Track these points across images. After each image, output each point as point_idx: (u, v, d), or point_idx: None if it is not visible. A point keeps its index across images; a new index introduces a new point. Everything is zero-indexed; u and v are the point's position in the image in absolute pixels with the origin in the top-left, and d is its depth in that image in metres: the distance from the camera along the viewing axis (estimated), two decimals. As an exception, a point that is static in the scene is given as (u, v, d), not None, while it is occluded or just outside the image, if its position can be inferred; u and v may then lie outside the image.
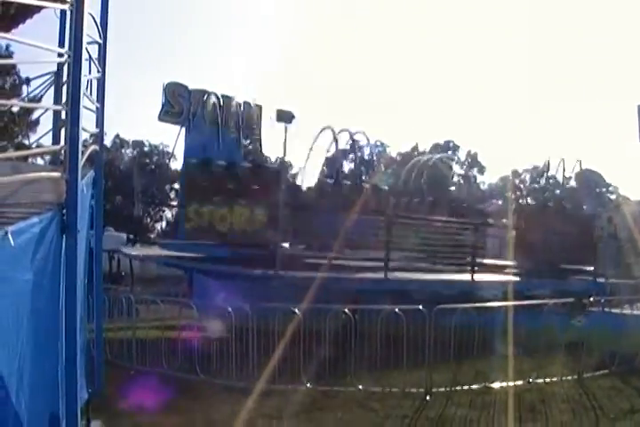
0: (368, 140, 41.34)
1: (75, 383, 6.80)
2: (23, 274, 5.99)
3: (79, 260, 7.41)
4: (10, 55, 42.07)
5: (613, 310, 19.09)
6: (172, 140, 40.23)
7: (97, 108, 10.47)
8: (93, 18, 9.48)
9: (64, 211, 6.92)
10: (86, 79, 9.35)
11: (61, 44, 8.42)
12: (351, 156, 68.33)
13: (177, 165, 62.50)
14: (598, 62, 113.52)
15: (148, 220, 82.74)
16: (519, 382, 14.38)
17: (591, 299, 18.14)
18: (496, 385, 14.20)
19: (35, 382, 6.15)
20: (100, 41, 10.44)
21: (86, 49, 8.18)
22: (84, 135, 8.39)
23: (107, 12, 10.92)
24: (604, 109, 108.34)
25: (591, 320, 16.84)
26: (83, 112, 7.62)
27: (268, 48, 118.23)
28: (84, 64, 8.22)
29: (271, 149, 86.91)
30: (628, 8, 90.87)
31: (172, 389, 13.27)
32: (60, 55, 7.38)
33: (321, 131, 35.92)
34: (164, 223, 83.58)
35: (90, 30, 8.98)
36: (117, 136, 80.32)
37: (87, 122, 9.46)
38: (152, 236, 77.15)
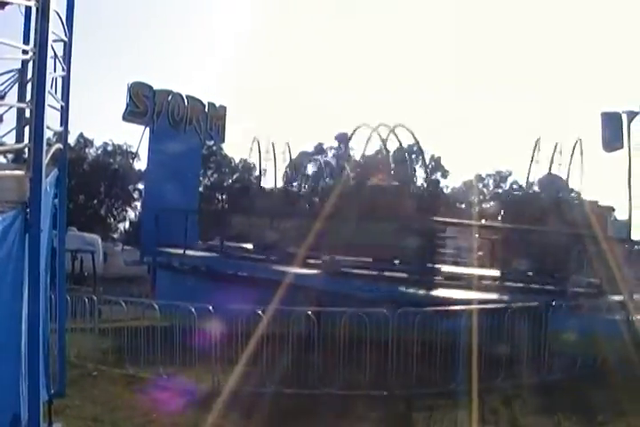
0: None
1: (37, 385, 6.75)
2: (-16, 273, 5.94)
3: (42, 259, 7.35)
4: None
5: (577, 314, 19.16)
6: (135, 140, 40.15)
7: (62, 106, 10.42)
8: (59, 15, 9.38)
9: (27, 210, 6.86)
10: (51, 77, 9.29)
11: (26, 42, 8.34)
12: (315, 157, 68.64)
13: (141, 165, 62.36)
14: (563, 68, 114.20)
15: (112, 220, 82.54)
16: (482, 386, 14.41)
17: (553, 303, 18.19)
18: (459, 388, 14.21)
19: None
20: (66, 39, 10.35)
21: (51, 47, 8.12)
22: (48, 134, 8.32)
23: (72, 10, 10.86)
24: (569, 116, 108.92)
25: (554, 324, 16.89)
26: (47, 110, 7.56)
27: (232, 50, 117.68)
28: (49, 62, 8.16)
29: (234, 150, 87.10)
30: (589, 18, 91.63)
31: (135, 389, 13.22)
32: (25, 52, 7.32)
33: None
34: (127, 223, 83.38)
35: (55, 28, 8.92)
36: (81, 135, 79.96)
37: (51, 120, 9.40)
38: (115, 236, 76.95)
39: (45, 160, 7.41)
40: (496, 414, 12.77)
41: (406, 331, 14.74)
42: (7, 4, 10.03)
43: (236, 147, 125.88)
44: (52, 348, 10.95)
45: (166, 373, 14.73)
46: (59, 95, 10.33)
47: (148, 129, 35.54)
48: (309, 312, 15.20)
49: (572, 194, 74.40)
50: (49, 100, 8.73)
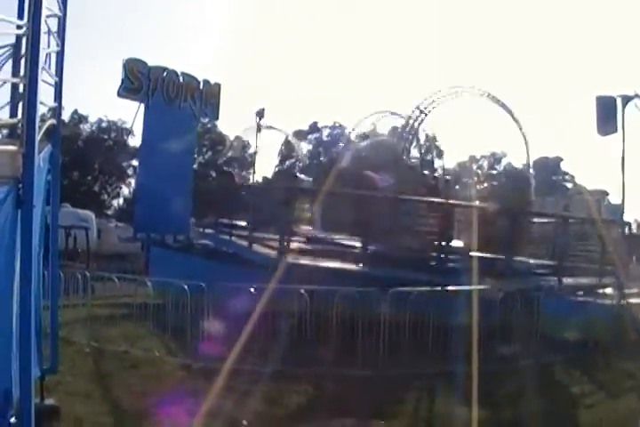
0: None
1: (28, 361, 6.73)
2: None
3: (34, 235, 7.33)
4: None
5: (567, 297, 19.22)
6: (130, 116, 40.10)
7: (55, 82, 10.35)
8: (53, -10, 9.34)
9: (20, 185, 6.83)
10: (45, 53, 9.22)
11: (20, 17, 8.28)
12: (310, 137, 68.71)
13: (135, 141, 62.32)
14: (560, 52, 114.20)
15: (106, 196, 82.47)
16: (474, 367, 14.44)
17: (543, 285, 18.29)
18: (451, 369, 14.24)
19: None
20: (60, 14, 10.28)
21: (45, 22, 8.06)
22: (42, 109, 8.28)
23: (67, -15, 10.78)
24: (564, 99, 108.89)
25: (546, 306, 16.94)
26: (41, 86, 7.53)
27: (229, 28, 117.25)
28: (43, 37, 8.11)
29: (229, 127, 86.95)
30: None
31: (128, 366, 13.25)
32: (19, 27, 7.26)
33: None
34: (121, 200, 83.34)
35: (50, 4, 8.86)
36: (76, 112, 79.77)
37: (45, 96, 9.35)
38: (109, 212, 76.90)
39: (38, 136, 7.37)
40: (490, 395, 12.80)
41: (398, 311, 14.77)
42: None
43: (230, 124, 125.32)
44: (45, 325, 10.94)
45: (158, 350, 14.76)
46: (53, 71, 10.27)
47: (142, 105, 35.49)
48: (302, 291, 15.23)
49: (566, 177, 74.52)
50: (43, 75, 8.67)
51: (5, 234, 6.54)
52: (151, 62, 35.77)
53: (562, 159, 79.55)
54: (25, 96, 7.12)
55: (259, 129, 39.47)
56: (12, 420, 6.58)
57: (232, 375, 12.64)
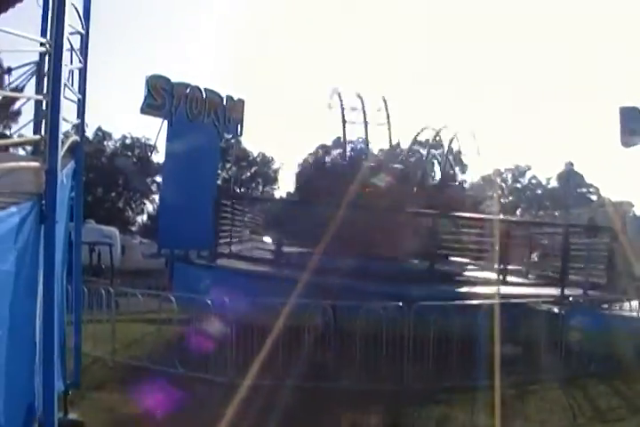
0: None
1: (52, 376, 6.77)
2: (2, 264, 5.95)
3: (57, 250, 7.37)
4: (-8, 45, 41.85)
5: (596, 311, 19.05)
6: (153, 133, 40.27)
7: (78, 99, 10.44)
8: (76, 8, 9.41)
9: (43, 201, 6.89)
10: (68, 70, 9.32)
11: (44, 34, 8.37)
12: (334, 152, 68.50)
13: (159, 157, 62.51)
14: (584, 64, 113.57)
15: (130, 212, 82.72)
16: (499, 382, 14.37)
17: (570, 299, 18.16)
18: (476, 384, 14.18)
19: (11, 372, 6.13)
20: (83, 31, 10.38)
21: (68, 39, 8.14)
22: (65, 126, 8.36)
23: (89, 3, 10.87)
24: (588, 110, 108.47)
25: (573, 320, 16.84)
26: (64, 103, 7.60)
27: (254, 43, 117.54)
28: (66, 54, 8.18)
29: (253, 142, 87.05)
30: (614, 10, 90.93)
31: (151, 382, 13.27)
32: (42, 45, 7.33)
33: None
34: (145, 216, 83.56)
35: (73, 21, 8.94)
36: (100, 129, 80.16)
37: (69, 113, 9.44)
38: (133, 229, 77.10)
39: (61, 152, 7.43)
40: (513, 409, 12.74)
41: (423, 325, 14.73)
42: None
43: (254, 140, 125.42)
44: (68, 340, 10.99)
45: (182, 366, 14.77)
46: (76, 88, 10.35)
47: (165, 122, 35.65)
48: (327, 306, 15.23)
49: (591, 189, 74.15)
50: (66, 92, 8.77)
51: (29, 249, 6.59)
52: (174, 78, 35.96)
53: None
54: (48, 113, 7.17)
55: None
56: (36, 433, 6.62)
57: (255, 390, 12.67)
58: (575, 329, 16.26)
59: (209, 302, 15.35)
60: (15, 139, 12.06)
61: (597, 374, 15.38)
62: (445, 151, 33.18)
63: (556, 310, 17.76)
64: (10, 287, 6.10)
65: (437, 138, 32.40)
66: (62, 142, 7.80)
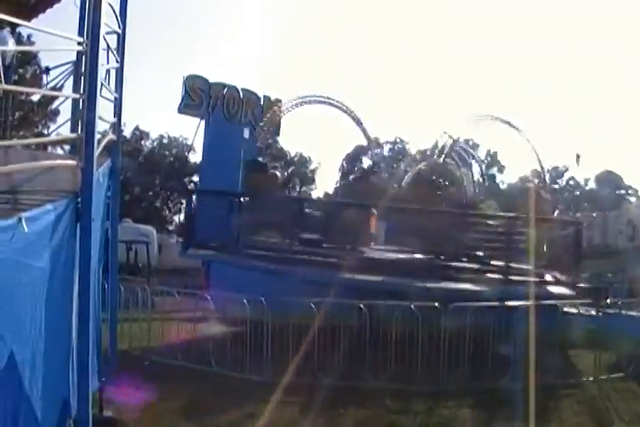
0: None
1: (86, 373, 6.81)
2: (37, 261, 5.98)
3: (93, 248, 7.40)
4: (32, 45, 42.23)
5: (631, 313, 18.90)
6: (191, 132, 40.43)
7: (115, 98, 10.48)
8: (112, 8, 9.45)
9: (79, 199, 6.92)
10: (105, 69, 9.36)
11: (81, 34, 8.42)
12: (370, 152, 68.41)
13: (196, 157, 62.74)
14: (625, 62, 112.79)
15: (167, 212, 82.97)
16: (534, 383, 14.31)
17: (608, 300, 18.05)
18: (510, 385, 14.12)
19: (47, 369, 6.16)
20: (120, 31, 10.41)
21: (104, 38, 8.18)
22: (102, 125, 8.40)
23: (126, 2, 10.90)
24: (626, 110, 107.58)
25: (608, 322, 16.75)
26: (101, 102, 7.65)
27: (291, 43, 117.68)
28: (103, 54, 8.23)
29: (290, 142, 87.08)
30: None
31: (186, 380, 13.32)
32: (79, 44, 7.37)
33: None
34: (182, 216, 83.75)
35: (109, 20, 8.99)
36: (137, 128, 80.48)
37: (106, 112, 9.48)
38: (170, 228, 77.33)
39: (97, 151, 7.47)
40: (548, 411, 12.68)
41: (458, 326, 14.69)
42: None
43: (291, 140, 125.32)
44: (104, 337, 11.04)
45: (218, 364, 14.80)
46: (113, 87, 10.40)
47: (203, 121, 35.77)
48: (361, 306, 15.20)
49: (630, 191, 73.53)
50: (102, 91, 8.82)
51: (64, 247, 6.62)
52: (212, 78, 36.09)
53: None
54: (84, 111, 7.21)
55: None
56: (71, 430, 6.66)
57: (290, 389, 12.69)
58: (612, 332, 16.16)
59: (245, 301, 15.39)
60: (52, 137, 12.17)
61: (634, 376, 15.28)
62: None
63: (592, 312, 17.68)
64: (45, 285, 6.13)
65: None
66: (98, 141, 7.84)
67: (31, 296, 5.88)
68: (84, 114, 7.22)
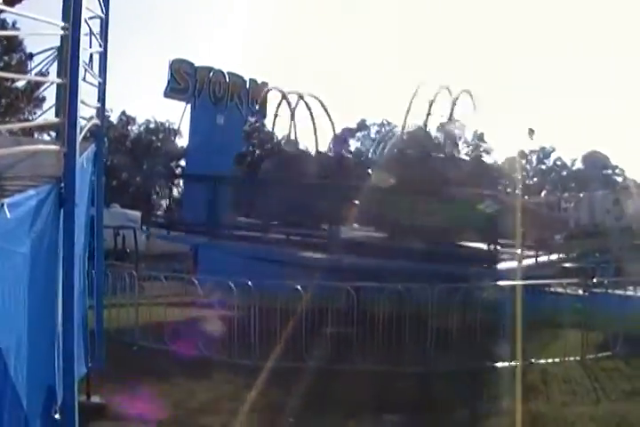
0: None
1: (72, 358, 6.79)
2: (19, 247, 5.95)
3: (78, 234, 7.38)
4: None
5: (617, 292, 18.98)
6: (178, 116, 40.35)
7: (99, 82, 10.43)
8: (95, -8, 9.40)
9: (62, 184, 6.89)
10: (88, 54, 9.32)
11: (65, 19, 8.37)
12: (358, 134, 68.49)
13: (183, 141, 62.66)
14: (607, 43, 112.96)
15: (155, 197, 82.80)
16: (521, 363, 14.39)
17: (594, 280, 18.10)
18: (498, 365, 14.19)
19: (32, 355, 6.15)
20: (103, 15, 10.36)
21: (87, 23, 8.13)
22: (87, 110, 8.37)
23: (109, -14, 10.84)
24: (610, 91, 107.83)
25: (595, 301, 16.81)
26: (84, 86, 7.61)
27: (277, 25, 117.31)
28: (85, 39, 8.19)
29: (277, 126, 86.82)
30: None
31: (174, 365, 13.32)
32: (63, 29, 7.33)
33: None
34: (169, 200, 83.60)
35: (93, 5, 8.96)
36: (123, 113, 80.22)
37: (90, 97, 9.44)
38: (159, 213, 77.22)
39: (80, 136, 7.43)
40: (534, 392, 12.74)
41: (446, 307, 14.74)
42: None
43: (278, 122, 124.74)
44: (92, 323, 11.03)
45: (206, 349, 14.81)
46: (97, 72, 10.35)
47: (189, 105, 35.71)
48: (349, 287, 15.22)
49: (617, 171, 73.63)
50: (87, 77, 8.80)
51: (47, 232, 6.58)
52: (198, 62, 36.01)
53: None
54: (65, 96, 7.18)
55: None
56: (57, 416, 6.63)
57: (278, 373, 12.73)
58: (599, 311, 16.23)
59: (232, 285, 15.37)
60: (34, 122, 12.12)
61: (621, 355, 15.35)
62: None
63: (580, 292, 17.75)
64: (27, 270, 6.11)
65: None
66: (82, 126, 7.81)
67: (14, 282, 5.86)
68: (66, 98, 7.18)
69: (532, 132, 32.28)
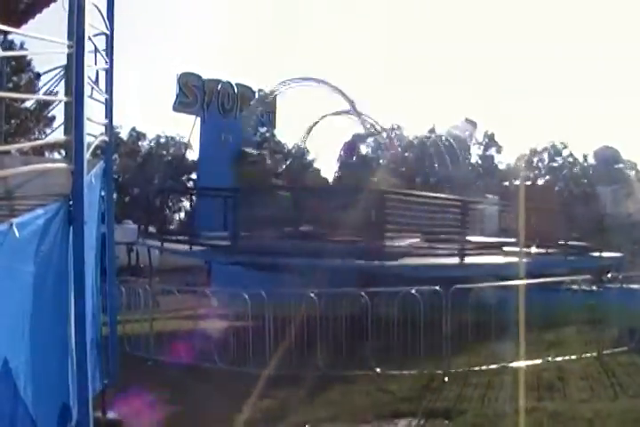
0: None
1: (85, 375, 6.82)
2: (27, 266, 6.00)
3: (88, 251, 7.42)
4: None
5: (632, 286, 18.93)
6: (187, 130, 40.39)
7: (106, 99, 10.48)
8: (99, 9, 9.44)
9: (70, 202, 6.93)
10: (94, 71, 9.38)
11: (70, 37, 8.42)
12: (368, 140, 68.34)
13: (193, 155, 62.70)
14: (615, 37, 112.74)
15: (167, 211, 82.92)
16: (537, 361, 14.38)
17: (609, 275, 18.07)
18: (514, 364, 14.18)
19: (44, 374, 6.19)
20: (108, 32, 10.41)
21: (91, 40, 8.19)
22: (95, 127, 8.42)
23: (113, 4, 10.89)
24: (619, 85, 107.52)
25: (609, 296, 16.80)
26: (92, 104, 7.69)
27: (285, 35, 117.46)
28: (90, 55, 8.25)
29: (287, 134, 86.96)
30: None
31: (190, 378, 13.34)
32: (69, 47, 7.39)
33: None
34: (182, 214, 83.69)
35: (97, 22, 9.00)
36: (134, 129, 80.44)
37: (98, 114, 9.50)
38: (171, 227, 77.31)
39: (87, 153, 7.48)
40: (551, 390, 12.72)
41: (460, 309, 14.73)
42: (51, 2, 10.16)
43: (289, 132, 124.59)
44: (105, 339, 11.04)
45: (221, 360, 14.83)
46: (103, 89, 10.40)
47: (198, 118, 35.79)
48: (362, 293, 15.21)
49: (628, 165, 73.37)
50: (93, 94, 8.84)
51: (56, 250, 6.63)
52: (207, 75, 36.11)
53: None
54: (71, 113, 7.23)
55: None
56: (72, 433, 6.67)
57: (290, 381, 12.79)
58: (614, 306, 16.22)
59: (245, 296, 15.40)
60: (42, 140, 12.18)
61: (637, 350, 15.34)
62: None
63: (594, 287, 17.75)
64: (37, 289, 6.15)
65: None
66: (90, 143, 7.86)
67: (22, 302, 5.90)
68: (72, 116, 7.23)
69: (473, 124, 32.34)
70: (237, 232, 21.07)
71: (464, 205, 21.33)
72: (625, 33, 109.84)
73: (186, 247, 21.99)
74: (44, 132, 46.61)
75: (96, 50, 9.44)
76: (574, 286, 17.27)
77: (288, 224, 21.92)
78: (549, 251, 23.76)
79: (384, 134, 45.55)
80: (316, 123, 37.71)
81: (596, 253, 24.33)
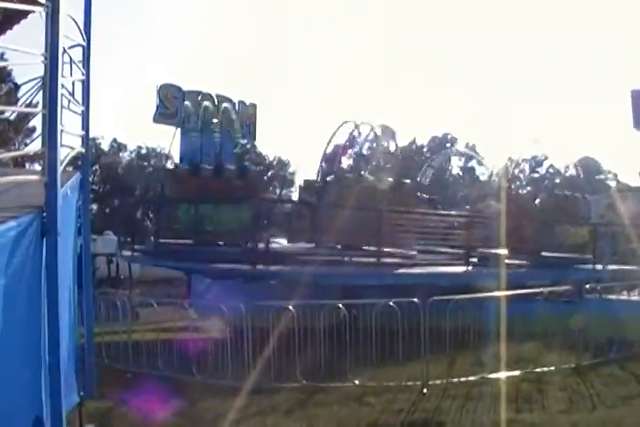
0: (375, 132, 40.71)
1: (59, 388, 6.77)
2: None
3: (64, 263, 7.38)
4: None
5: (610, 297, 19.04)
6: (168, 142, 40.38)
7: (82, 111, 10.44)
8: (75, 21, 9.41)
9: (44, 214, 6.89)
10: (71, 82, 9.35)
11: (47, 49, 8.40)
12: (350, 151, 68.48)
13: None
14: (591, 49, 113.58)
15: (148, 222, 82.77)
16: (516, 373, 14.41)
17: (587, 286, 18.12)
18: (493, 376, 14.20)
19: (17, 387, 6.13)
20: (84, 43, 10.38)
21: (66, 51, 8.16)
22: (72, 139, 8.39)
23: (89, 14, 10.86)
24: (598, 95, 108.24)
25: (588, 307, 16.85)
26: (69, 115, 7.67)
27: (265, 48, 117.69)
28: (67, 67, 8.22)
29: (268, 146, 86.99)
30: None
31: (168, 390, 13.27)
32: (45, 58, 7.38)
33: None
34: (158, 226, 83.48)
35: (73, 34, 8.99)
36: (115, 140, 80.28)
37: (76, 125, 9.49)
38: (152, 238, 76.99)
39: (62, 164, 7.45)
40: (530, 401, 12.75)
41: (438, 320, 14.75)
42: (28, 13, 10.09)
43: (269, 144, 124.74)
44: (82, 351, 10.99)
45: (200, 373, 14.77)
46: (81, 101, 10.37)
47: (179, 130, 35.75)
48: (340, 305, 15.19)
49: (609, 175, 73.72)
50: (70, 105, 8.82)
51: (28, 262, 6.58)
52: (188, 86, 36.08)
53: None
54: (45, 125, 7.20)
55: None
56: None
57: (273, 393, 12.75)
58: (592, 317, 16.29)
59: (223, 307, 15.38)
60: (18, 152, 12.13)
61: (616, 360, 15.41)
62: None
63: (573, 298, 17.82)
64: (7, 302, 6.10)
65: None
66: (66, 155, 7.83)
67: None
68: (46, 127, 7.21)
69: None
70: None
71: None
72: (603, 44, 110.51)
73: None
74: (25, 144, 46.48)
75: (71, 61, 9.40)
76: (553, 297, 17.36)
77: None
78: (528, 262, 23.89)
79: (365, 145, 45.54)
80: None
81: (577, 265, 24.45)
